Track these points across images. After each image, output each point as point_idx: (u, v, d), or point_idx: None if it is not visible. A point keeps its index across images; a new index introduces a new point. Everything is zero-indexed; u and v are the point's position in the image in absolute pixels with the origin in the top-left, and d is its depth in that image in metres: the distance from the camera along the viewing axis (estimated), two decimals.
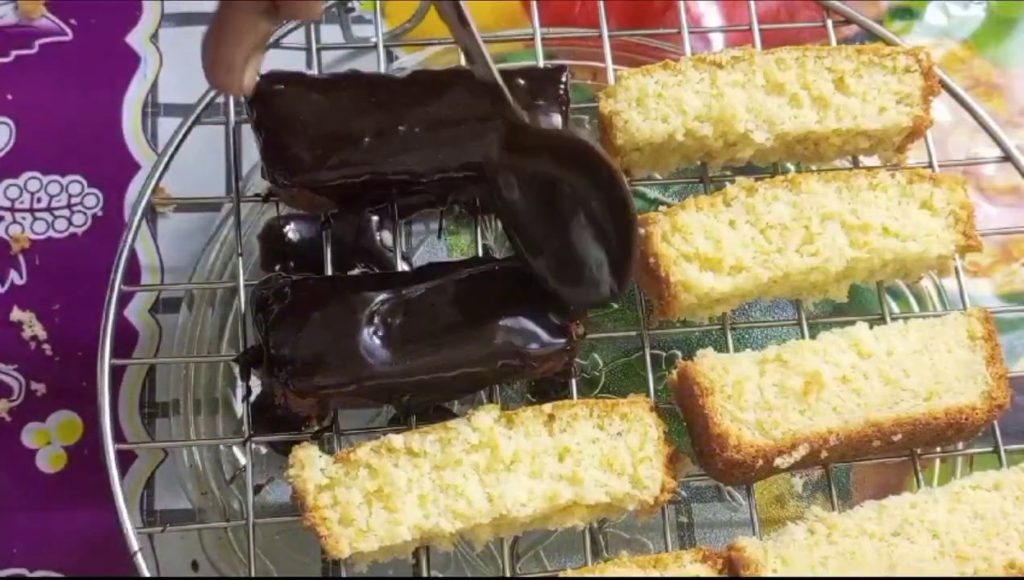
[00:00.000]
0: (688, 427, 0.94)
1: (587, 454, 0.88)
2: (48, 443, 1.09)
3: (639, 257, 0.93)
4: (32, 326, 1.11)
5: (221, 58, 0.81)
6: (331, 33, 1.18)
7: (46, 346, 1.11)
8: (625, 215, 0.87)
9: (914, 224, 0.96)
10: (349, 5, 1.13)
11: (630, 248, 0.88)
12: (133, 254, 1.11)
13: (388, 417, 1.04)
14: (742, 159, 1.01)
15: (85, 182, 1.17)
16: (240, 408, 1.05)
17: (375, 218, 1.11)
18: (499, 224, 1.11)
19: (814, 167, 1.05)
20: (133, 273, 1.13)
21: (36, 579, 1.05)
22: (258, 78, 0.89)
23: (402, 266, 0.98)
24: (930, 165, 1.04)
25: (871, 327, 0.94)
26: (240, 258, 0.97)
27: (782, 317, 1.11)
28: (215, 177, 1.13)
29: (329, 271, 0.96)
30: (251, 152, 0.99)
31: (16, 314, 1.12)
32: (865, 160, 1.04)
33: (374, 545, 0.85)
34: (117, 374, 1.09)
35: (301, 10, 0.81)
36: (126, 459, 1.06)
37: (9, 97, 1.19)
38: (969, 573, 0.87)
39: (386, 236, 1.11)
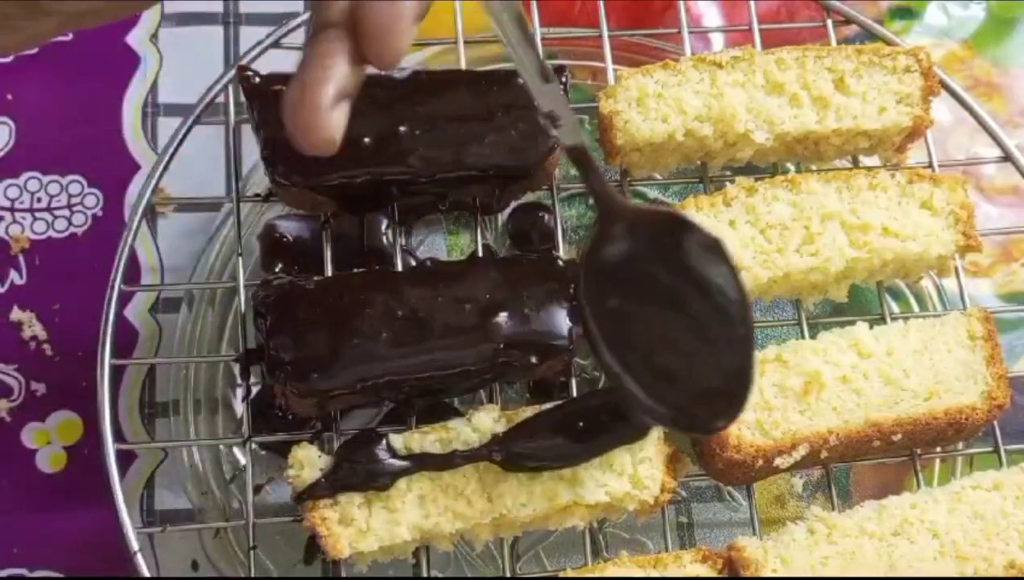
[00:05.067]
0: None
1: None
2: (48, 443, 1.09)
3: None
4: (32, 326, 1.11)
5: (308, 99, 0.70)
6: None
7: (46, 346, 1.11)
8: (744, 322, 0.74)
9: (914, 224, 0.96)
10: None
11: (749, 371, 0.74)
12: (133, 254, 1.10)
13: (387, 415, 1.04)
14: (742, 159, 1.01)
15: (85, 182, 1.16)
16: (240, 408, 1.05)
17: (384, 219, 1.10)
18: (499, 224, 1.11)
19: (814, 167, 1.05)
20: (133, 273, 1.13)
21: (36, 579, 1.05)
22: (344, 122, 0.72)
23: (407, 264, 0.98)
24: (930, 165, 1.04)
25: (871, 327, 0.94)
26: (240, 258, 0.97)
27: (782, 317, 1.10)
28: (215, 177, 1.13)
29: (329, 271, 0.96)
30: (251, 152, 0.99)
31: (16, 314, 1.12)
32: (865, 160, 1.04)
33: (374, 545, 0.85)
34: (117, 374, 1.09)
35: (384, 57, 0.69)
36: (126, 459, 1.06)
37: (9, 97, 1.18)
38: (969, 573, 0.87)
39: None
